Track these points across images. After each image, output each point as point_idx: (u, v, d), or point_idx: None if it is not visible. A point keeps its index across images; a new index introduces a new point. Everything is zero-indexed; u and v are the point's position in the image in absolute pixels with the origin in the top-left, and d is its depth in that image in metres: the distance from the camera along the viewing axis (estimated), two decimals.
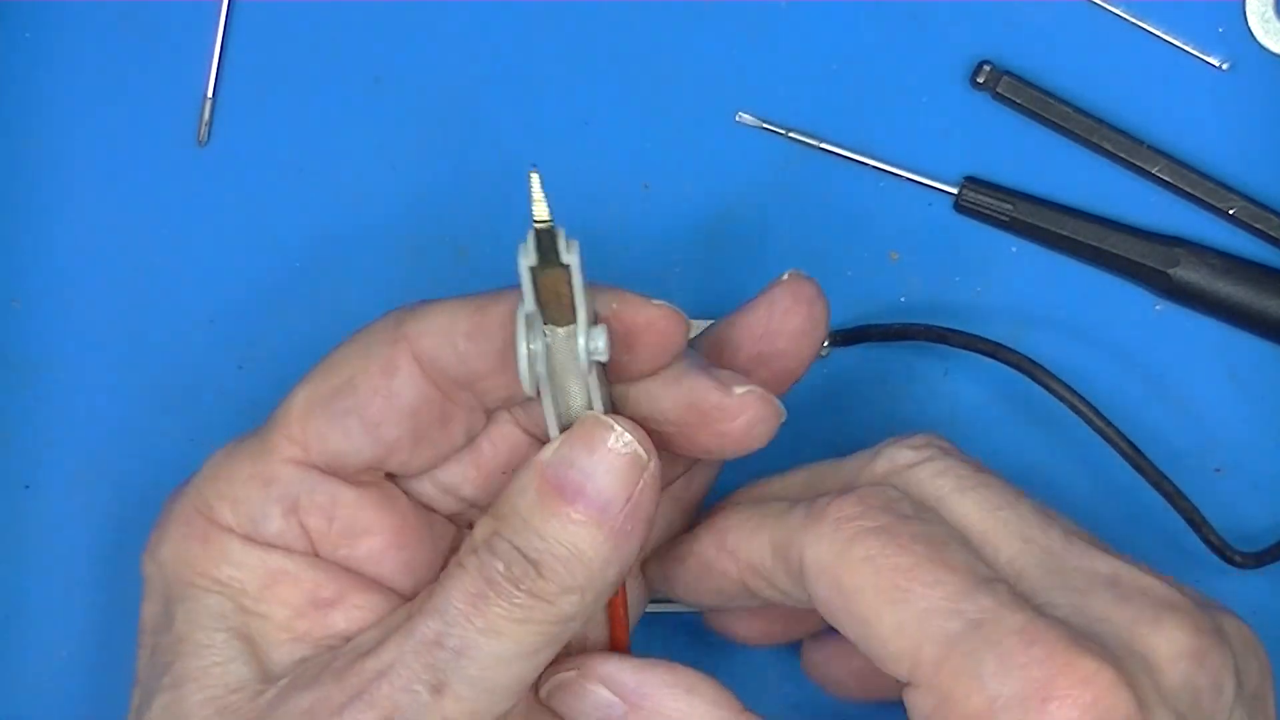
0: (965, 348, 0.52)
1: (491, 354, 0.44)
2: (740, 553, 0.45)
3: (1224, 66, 0.56)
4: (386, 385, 0.44)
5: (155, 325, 0.56)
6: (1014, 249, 0.56)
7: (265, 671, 0.44)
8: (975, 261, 0.56)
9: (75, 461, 0.55)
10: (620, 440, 0.43)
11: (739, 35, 0.56)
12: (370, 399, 0.44)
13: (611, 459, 0.43)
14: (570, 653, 0.46)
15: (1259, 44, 0.56)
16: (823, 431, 0.55)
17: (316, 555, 0.45)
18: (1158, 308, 0.56)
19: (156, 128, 0.56)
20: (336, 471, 0.45)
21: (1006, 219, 0.55)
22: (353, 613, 0.44)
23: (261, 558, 0.44)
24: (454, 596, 0.42)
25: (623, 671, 0.45)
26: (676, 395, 0.45)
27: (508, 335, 0.43)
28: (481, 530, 0.43)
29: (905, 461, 0.45)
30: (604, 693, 0.45)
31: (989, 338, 0.52)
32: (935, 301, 0.55)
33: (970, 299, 0.56)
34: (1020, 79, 0.55)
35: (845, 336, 0.55)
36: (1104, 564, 0.43)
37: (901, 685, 0.42)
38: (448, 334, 0.44)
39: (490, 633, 0.42)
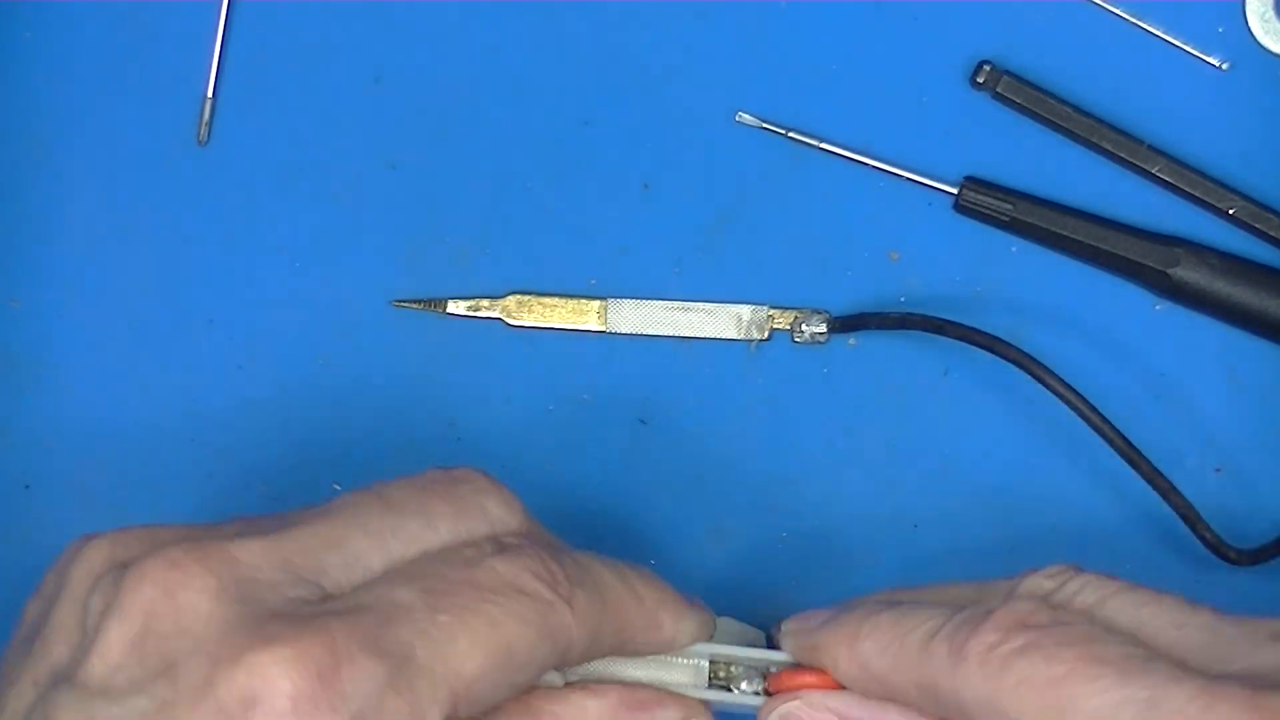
0: (962, 339, 0.52)
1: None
2: (873, 672, 0.45)
3: (1224, 66, 0.56)
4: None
5: (155, 325, 0.56)
6: (1014, 249, 0.56)
7: None
8: (975, 261, 0.56)
9: (75, 461, 0.55)
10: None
11: (739, 35, 0.56)
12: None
13: None
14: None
15: (1259, 44, 0.56)
16: (823, 431, 0.55)
17: None
18: (1158, 308, 0.56)
19: (156, 128, 0.56)
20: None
21: (1006, 219, 0.55)
22: None
23: None
24: None
25: (851, 708, 0.45)
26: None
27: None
28: None
29: (1044, 590, 0.44)
30: None
31: (988, 331, 0.52)
32: (935, 301, 0.55)
33: (970, 299, 0.55)
34: (1020, 79, 0.55)
35: (845, 323, 0.55)
36: (1264, 624, 0.43)
37: None
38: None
39: None
